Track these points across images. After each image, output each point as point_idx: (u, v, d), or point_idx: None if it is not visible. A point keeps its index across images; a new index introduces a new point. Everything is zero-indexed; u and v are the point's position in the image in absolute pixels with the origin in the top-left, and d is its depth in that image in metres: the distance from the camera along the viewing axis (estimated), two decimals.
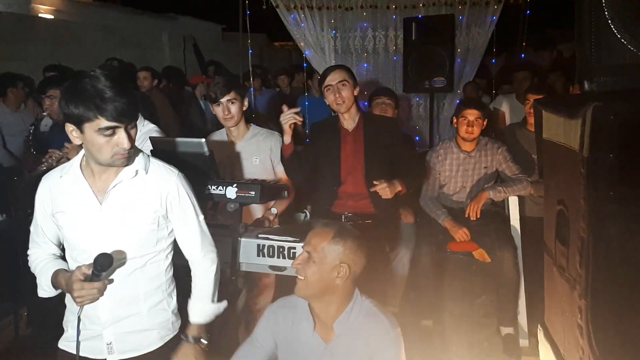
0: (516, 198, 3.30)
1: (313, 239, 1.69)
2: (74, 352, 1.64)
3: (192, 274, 1.79)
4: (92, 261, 1.54)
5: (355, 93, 2.67)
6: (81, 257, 1.64)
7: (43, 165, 2.55)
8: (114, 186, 1.62)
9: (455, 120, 3.28)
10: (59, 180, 1.67)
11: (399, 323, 1.72)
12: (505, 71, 5.80)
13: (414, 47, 5.19)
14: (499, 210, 3.36)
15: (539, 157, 2.40)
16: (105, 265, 1.52)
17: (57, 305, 1.77)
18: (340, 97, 2.62)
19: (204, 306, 1.78)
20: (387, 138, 2.69)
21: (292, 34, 5.71)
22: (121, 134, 1.51)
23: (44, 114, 3.84)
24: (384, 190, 2.48)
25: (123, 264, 1.63)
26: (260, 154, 2.67)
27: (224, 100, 2.59)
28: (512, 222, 3.31)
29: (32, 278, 1.76)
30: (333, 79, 2.64)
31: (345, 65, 3.00)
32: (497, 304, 3.23)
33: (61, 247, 1.75)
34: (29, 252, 1.77)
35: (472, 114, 3.13)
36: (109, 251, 1.56)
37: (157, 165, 1.70)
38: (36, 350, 2.96)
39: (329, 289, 1.68)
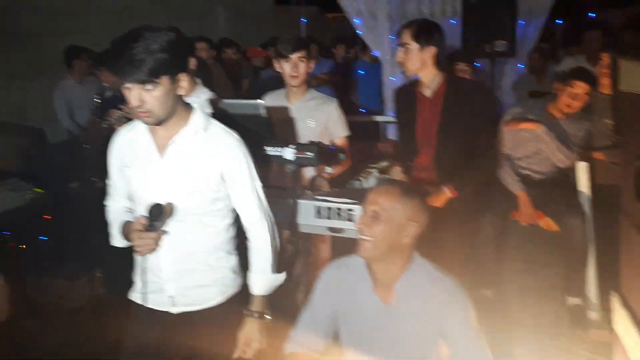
0: (585, 164, 3.12)
1: (380, 198, 1.64)
2: (141, 302, 1.72)
3: (250, 243, 1.78)
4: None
5: (427, 55, 2.40)
6: (143, 210, 1.68)
7: (104, 124, 2.64)
8: (173, 142, 1.64)
9: (556, 85, 3.04)
10: (127, 135, 1.73)
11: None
12: (573, 32, 5.45)
13: (473, 9, 4.96)
14: (566, 177, 3.20)
15: (615, 115, 2.24)
16: (156, 215, 1.55)
17: (127, 266, 1.84)
18: (402, 59, 2.42)
19: (264, 275, 1.78)
20: (470, 106, 2.41)
21: (343, 4, 5.59)
22: (131, 93, 1.52)
23: (104, 84, 3.96)
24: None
25: (175, 214, 1.65)
26: (316, 117, 2.63)
27: (294, 56, 2.54)
28: (581, 189, 3.14)
29: (105, 240, 1.85)
30: (400, 38, 2.44)
31: (428, 20, 2.77)
32: (565, 274, 3.10)
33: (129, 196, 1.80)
34: (105, 202, 1.84)
35: (581, 87, 2.90)
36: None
37: (217, 127, 1.70)
38: (110, 308, 3.13)
39: (395, 249, 1.63)
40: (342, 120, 2.66)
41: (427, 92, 2.50)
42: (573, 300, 3.11)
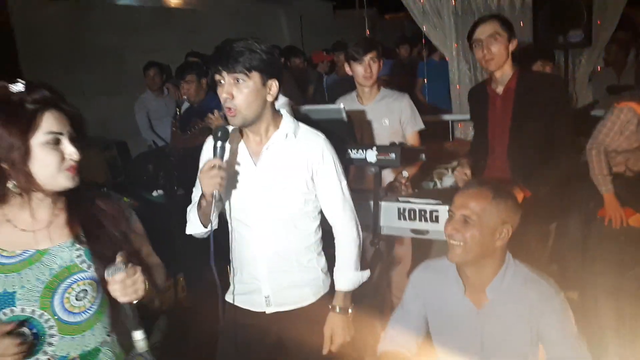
0: None
1: (470, 201, 1.59)
2: (237, 304, 1.81)
3: (336, 241, 1.83)
4: (246, 219, 1.70)
5: (511, 48, 2.33)
6: (238, 215, 1.76)
7: (187, 134, 2.77)
8: (266, 148, 1.71)
9: None
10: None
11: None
12: None
13: (544, 1, 4.79)
14: None
15: None
16: (220, 135, 1.59)
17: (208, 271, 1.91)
18: (489, 53, 2.32)
19: (349, 271, 1.81)
20: (542, 101, 2.32)
21: (407, 4, 5.55)
22: (224, 87, 1.62)
23: (184, 98, 4.14)
24: None
25: (269, 219, 1.72)
26: (390, 116, 2.66)
27: (366, 57, 2.59)
28: None
29: (188, 244, 1.93)
30: (482, 32, 2.34)
31: (501, 14, 2.69)
32: None
33: None
34: (189, 207, 1.91)
35: None
36: (263, 210, 1.69)
37: (304, 129, 1.77)
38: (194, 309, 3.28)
39: (487, 253, 1.60)
40: (416, 114, 2.69)
41: (499, 89, 2.43)
42: None
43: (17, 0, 4.66)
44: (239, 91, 1.60)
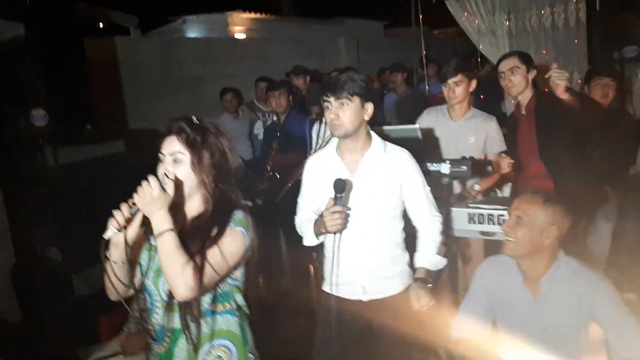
0: None
1: (523, 205, 1.90)
2: (334, 293, 2.17)
3: (420, 234, 2.18)
4: (344, 231, 2.03)
5: (530, 77, 2.78)
6: None
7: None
8: (362, 163, 2.09)
9: None
10: (320, 161, 2.22)
11: None
12: None
13: (598, 18, 4.97)
14: None
15: None
16: (340, 187, 1.94)
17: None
18: (510, 82, 2.79)
19: (430, 255, 2.15)
20: (557, 115, 2.65)
21: (462, 25, 5.84)
22: (331, 109, 2.03)
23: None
24: None
25: (364, 221, 2.07)
26: (477, 134, 2.96)
27: (450, 81, 2.94)
28: None
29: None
30: (504, 66, 2.81)
31: (520, 51, 3.09)
32: None
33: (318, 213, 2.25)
34: (296, 217, 2.31)
35: None
36: (359, 215, 2.04)
37: (391, 146, 2.15)
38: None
39: (537, 249, 1.88)
40: (501, 137, 2.98)
41: (523, 110, 2.84)
42: None
43: (120, 39, 5.33)
44: (343, 111, 2.01)
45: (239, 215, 1.59)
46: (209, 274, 1.51)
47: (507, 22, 5.81)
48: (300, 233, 2.28)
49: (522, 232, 1.88)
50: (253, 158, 5.42)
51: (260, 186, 3.89)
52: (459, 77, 2.91)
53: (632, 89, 5.42)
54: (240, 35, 7.71)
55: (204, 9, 8.42)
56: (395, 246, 2.15)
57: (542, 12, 5.70)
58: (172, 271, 1.45)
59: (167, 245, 1.45)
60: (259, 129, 5.54)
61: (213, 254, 1.52)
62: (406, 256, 2.19)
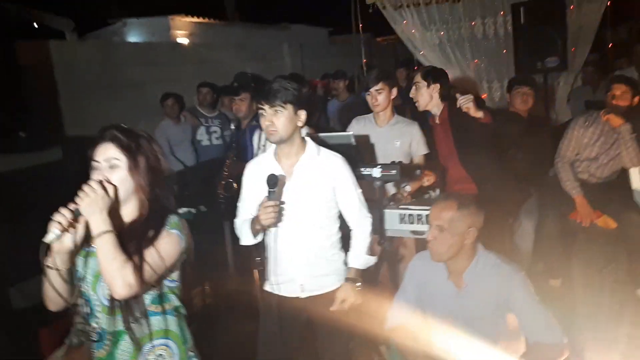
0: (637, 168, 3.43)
1: (442, 213, 2.03)
2: (275, 292, 2.27)
3: (353, 234, 2.31)
4: (282, 224, 2.13)
5: (434, 90, 3.03)
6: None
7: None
8: (297, 167, 2.20)
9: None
10: (257, 165, 2.32)
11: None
12: (622, 45, 5.67)
13: (523, 30, 5.32)
14: (622, 180, 3.51)
15: None
16: (273, 182, 2.04)
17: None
18: (414, 97, 3.09)
19: (361, 255, 2.29)
20: (469, 123, 2.87)
21: (400, 34, 6.10)
22: (266, 116, 2.14)
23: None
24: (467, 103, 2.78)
25: (302, 222, 2.18)
26: (402, 138, 3.14)
27: (373, 89, 3.10)
28: (635, 188, 3.44)
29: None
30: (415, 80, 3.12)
31: (429, 67, 3.36)
32: (628, 267, 3.38)
33: None
34: (236, 219, 2.39)
35: (619, 89, 3.30)
36: (296, 217, 2.14)
37: (325, 151, 2.27)
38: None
39: (459, 251, 2.05)
40: (423, 140, 3.18)
41: (437, 120, 3.10)
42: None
43: (55, 43, 5.19)
44: (277, 118, 2.11)
45: (174, 219, 1.65)
46: (147, 272, 1.56)
47: (442, 32, 6.10)
48: (238, 234, 2.36)
49: (445, 240, 2.03)
50: (196, 164, 5.41)
51: (219, 192, 3.90)
52: (380, 86, 3.08)
53: (554, 97, 5.85)
54: (182, 40, 7.65)
55: (145, 12, 8.29)
56: (330, 245, 2.27)
57: (473, 23, 6.05)
58: (111, 270, 1.50)
59: (106, 245, 1.50)
60: (201, 135, 5.54)
61: (150, 254, 1.58)
62: (342, 255, 2.32)
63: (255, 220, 2.17)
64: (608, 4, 5.47)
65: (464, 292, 2.09)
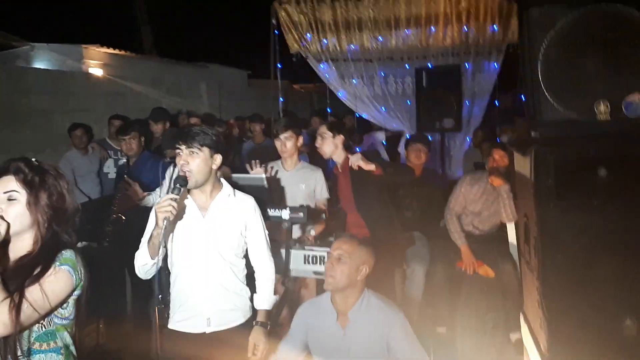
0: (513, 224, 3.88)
1: (343, 245, 2.28)
2: (181, 330, 2.29)
3: (257, 276, 2.42)
4: (191, 259, 2.20)
5: (338, 141, 3.31)
6: (183, 256, 2.28)
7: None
8: (213, 204, 2.30)
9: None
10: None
11: (414, 329, 2.24)
12: (507, 114, 6.43)
13: (424, 93, 5.90)
14: (501, 233, 3.94)
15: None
16: (182, 184, 2.11)
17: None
18: (318, 145, 3.37)
19: (268, 296, 2.41)
20: (366, 173, 3.14)
21: (325, 80, 6.50)
22: (181, 156, 2.23)
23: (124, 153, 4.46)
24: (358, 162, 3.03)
25: (212, 256, 2.25)
26: (306, 182, 3.37)
27: (282, 136, 3.30)
28: (511, 241, 3.88)
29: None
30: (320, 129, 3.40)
31: (331, 120, 3.67)
32: (504, 314, 3.75)
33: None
34: (136, 253, 2.36)
35: (497, 153, 3.72)
36: (207, 252, 2.22)
37: (239, 193, 2.40)
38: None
39: (351, 284, 2.25)
40: (326, 185, 3.44)
41: (339, 168, 3.40)
42: (515, 336, 3.72)
43: None
44: (192, 159, 2.21)
45: (66, 254, 1.62)
46: (27, 312, 1.50)
47: (358, 87, 6.57)
48: (136, 266, 2.30)
49: (342, 269, 2.24)
50: (101, 197, 5.24)
51: (107, 228, 3.82)
52: (289, 133, 3.32)
53: (450, 154, 6.45)
54: (96, 70, 7.46)
55: (56, 38, 8.02)
56: (239, 281, 2.37)
57: (383, 81, 6.59)
58: None
59: None
60: (109, 167, 5.41)
61: (33, 292, 1.52)
62: (248, 291, 2.42)
63: (152, 232, 2.14)
64: (497, 75, 6.21)
65: (349, 332, 2.25)
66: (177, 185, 2.13)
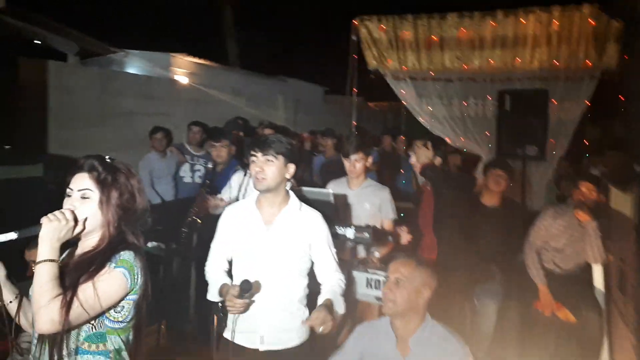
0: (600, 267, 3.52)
1: (400, 267, 2.13)
2: (234, 341, 2.22)
3: (323, 288, 2.28)
4: (253, 272, 2.13)
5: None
6: (245, 268, 2.22)
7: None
8: (279, 217, 2.24)
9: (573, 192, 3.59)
10: (237, 210, 2.34)
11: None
12: (595, 145, 5.96)
13: (507, 117, 5.57)
14: (585, 275, 3.59)
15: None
16: (246, 289, 2.04)
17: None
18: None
19: (334, 292, 2.24)
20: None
21: (402, 98, 6.38)
22: (256, 163, 2.21)
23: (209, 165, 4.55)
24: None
25: (260, 290, 2.16)
26: (370, 201, 3.23)
27: (352, 157, 3.23)
28: (597, 286, 3.53)
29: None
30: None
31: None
32: None
33: (229, 261, 2.35)
34: (207, 263, 2.39)
35: (584, 186, 3.43)
36: (270, 267, 2.15)
37: (306, 207, 2.32)
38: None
39: (411, 308, 2.09)
40: (393, 205, 3.28)
41: (429, 186, 3.25)
42: None
43: (55, 63, 5.27)
44: (268, 166, 2.18)
45: (125, 255, 1.57)
46: (77, 311, 1.47)
47: (436, 108, 6.38)
48: (207, 280, 2.35)
49: (401, 293, 2.09)
50: (175, 199, 5.40)
51: (182, 229, 3.90)
52: (359, 155, 3.23)
53: (531, 183, 6.05)
54: (180, 77, 7.81)
55: (149, 46, 8.50)
56: (297, 300, 2.27)
57: (463, 103, 6.35)
58: (39, 302, 1.44)
59: (43, 274, 1.45)
60: (185, 172, 5.57)
61: (85, 291, 1.50)
62: (306, 312, 2.30)
63: (223, 291, 2.18)
64: (587, 103, 5.78)
65: None
66: (243, 295, 2.06)
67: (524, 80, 6.08)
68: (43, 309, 1.43)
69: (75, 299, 1.48)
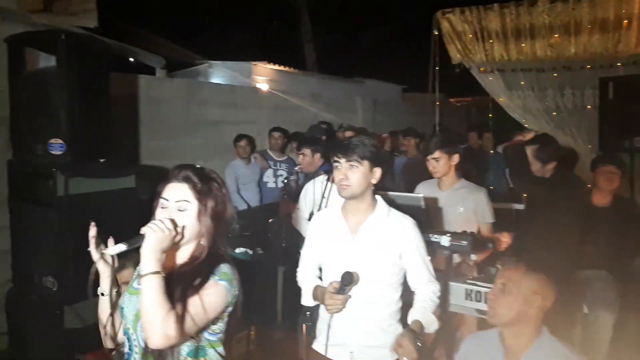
0: None
1: (507, 272, 1.90)
2: (323, 354, 2.13)
3: (416, 298, 2.13)
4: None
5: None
6: (330, 279, 2.13)
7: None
8: (365, 225, 2.11)
9: None
10: (324, 217, 2.26)
11: None
12: None
13: (610, 106, 5.07)
14: None
15: None
16: (347, 281, 1.95)
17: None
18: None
19: (425, 311, 2.07)
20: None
21: (489, 92, 6.04)
22: (340, 169, 2.10)
23: (296, 169, 4.52)
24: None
25: (361, 285, 2.04)
26: (465, 204, 2.99)
27: (430, 157, 3.03)
28: None
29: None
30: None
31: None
32: None
33: (320, 267, 2.27)
34: (298, 268, 2.32)
35: None
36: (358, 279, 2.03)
37: (395, 212, 2.17)
38: None
39: (521, 318, 1.84)
40: (490, 207, 3.00)
41: None
42: None
43: (144, 77, 5.53)
44: (352, 173, 2.05)
45: (224, 268, 1.56)
46: (188, 324, 1.46)
47: (527, 100, 5.98)
48: (300, 286, 2.30)
49: (507, 300, 1.86)
50: (261, 205, 5.47)
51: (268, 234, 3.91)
52: (437, 154, 3.00)
53: None
54: (262, 85, 7.95)
55: (230, 56, 8.76)
56: (388, 315, 2.13)
57: (559, 94, 5.90)
58: (152, 317, 1.41)
59: (152, 288, 1.42)
60: (268, 177, 5.64)
61: (194, 304, 1.48)
62: (399, 327, 2.15)
63: (318, 293, 2.13)
64: None
65: None
66: (344, 287, 1.99)
67: (628, 65, 5.52)
68: (158, 324, 1.40)
69: (186, 312, 1.46)
